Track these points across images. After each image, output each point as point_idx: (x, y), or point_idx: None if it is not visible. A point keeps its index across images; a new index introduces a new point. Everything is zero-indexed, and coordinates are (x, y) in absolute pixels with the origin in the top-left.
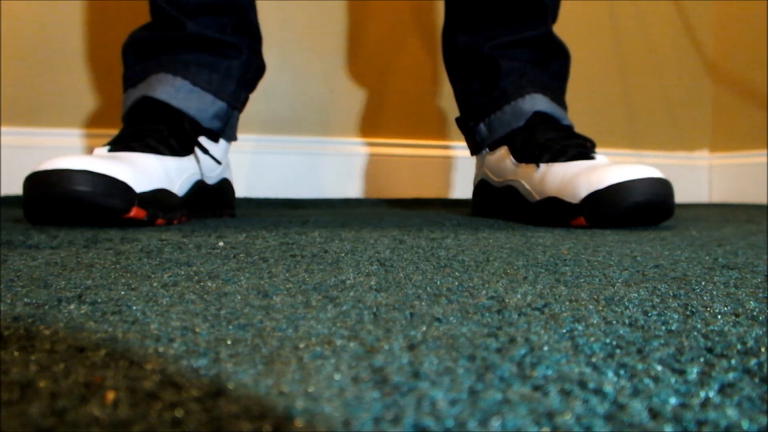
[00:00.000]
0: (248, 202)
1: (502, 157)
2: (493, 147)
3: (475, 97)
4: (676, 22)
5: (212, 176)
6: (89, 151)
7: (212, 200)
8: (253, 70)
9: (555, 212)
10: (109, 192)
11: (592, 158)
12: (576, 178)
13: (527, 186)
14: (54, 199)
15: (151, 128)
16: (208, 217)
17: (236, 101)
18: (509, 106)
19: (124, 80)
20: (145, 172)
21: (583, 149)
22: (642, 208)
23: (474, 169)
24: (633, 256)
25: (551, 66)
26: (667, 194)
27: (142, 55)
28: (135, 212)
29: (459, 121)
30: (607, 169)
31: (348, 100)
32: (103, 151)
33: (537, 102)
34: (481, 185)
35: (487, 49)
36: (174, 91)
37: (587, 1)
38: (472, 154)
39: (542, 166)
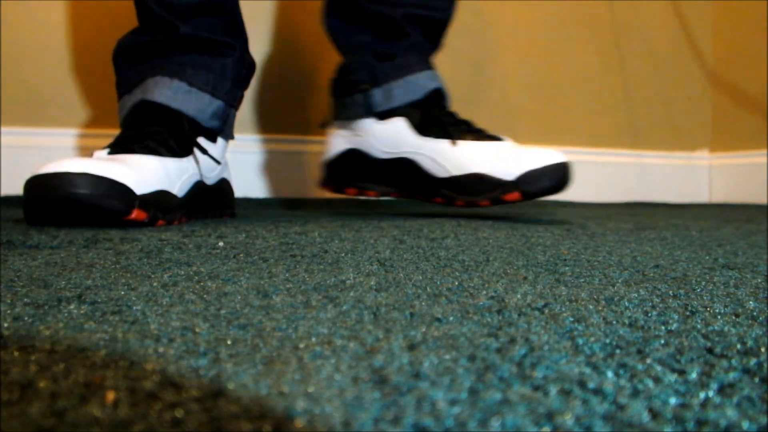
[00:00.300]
0: (248, 202)
1: (399, 128)
2: (384, 116)
3: (374, 59)
4: (675, 23)
5: (211, 176)
6: (89, 151)
7: (212, 201)
8: (246, 68)
9: (481, 187)
10: (110, 194)
11: (501, 140)
12: (508, 158)
13: (439, 160)
14: (55, 201)
15: (150, 130)
16: (208, 218)
17: (233, 99)
18: (412, 77)
19: (117, 87)
20: (146, 173)
21: (488, 133)
22: (561, 184)
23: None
24: (633, 256)
25: (430, 49)
26: (571, 173)
27: (134, 61)
28: (136, 214)
29: (343, 82)
30: (535, 152)
31: None
32: (103, 153)
33: (435, 79)
34: (352, 155)
35: (399, 16)
36: (172, 93)
37: (587, 1)
38: (344, 119)
39: (460, 143)
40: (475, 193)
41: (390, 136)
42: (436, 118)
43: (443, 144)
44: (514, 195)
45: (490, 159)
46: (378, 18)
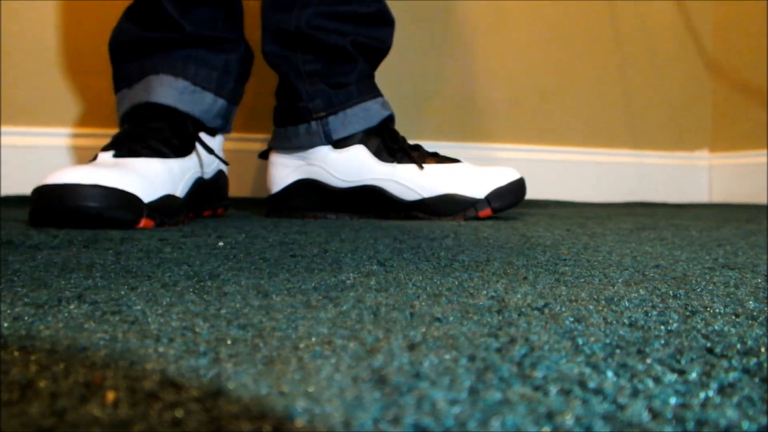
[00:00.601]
0: (248, 202)
1: (360, 156)
2: (339, 145)
3: (328, 87)
4: (675, 22)
5: (209, 171)
6: (87, 150)
7: (210, 194)
8: (248, 62)
9: (455, 206)
10: (119, 205)
11: (459, 161)
12: (475, 178)
13: (408, 184)
14: (64, 214)
15: (153, 126)
16: (206, 211)
17: (235, 97)
18: (366, 104)
19: (115, 79)
20: (152, 180)
21: (444, 156)
22: (522, 198)
23: (274, 167)
24: (633, 256)
25: (373, 77)
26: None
27: (135, 55)
28: (144, 223)
29: (294, 110)
30: (497, 171)
31: None
32: (108, 156)
33: (387, 106)
34: (305, 185)
35: (348, 44)
36: (178, 94)
37: (587, 1)
38: (295, 148)
39: (426, 166)
40: (449, 212)
41: (350, 165)
42: (395, 144)
43: (411, 168)
44: (487, 211)
45: (458, 180)
46: (327, 47)
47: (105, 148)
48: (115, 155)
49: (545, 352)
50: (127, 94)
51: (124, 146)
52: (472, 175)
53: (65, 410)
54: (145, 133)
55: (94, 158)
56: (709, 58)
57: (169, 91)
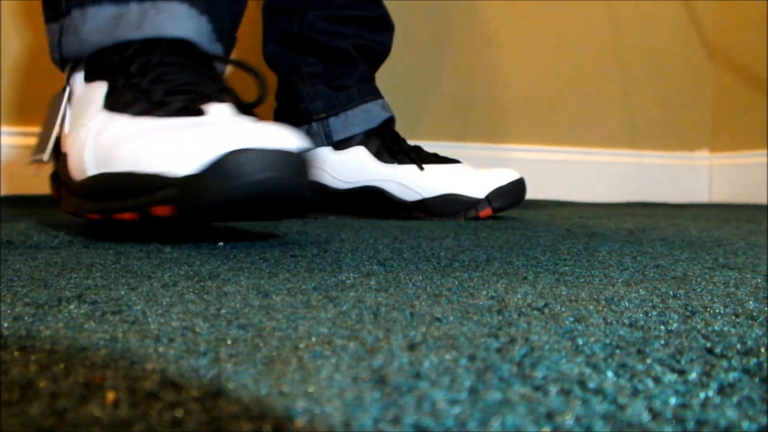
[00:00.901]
0: None
1: (360, 157)
2: (340, 146)
3: (329, 89)
4: (676, 22)
5: None
6: None
7: None
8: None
9: (456, 206)
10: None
11: (459, 162)
12: (474, 178)
13: (409, 185)
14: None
15: (216, 76)
16: None
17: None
18: (367, 106)
19: None
20: None
21: (444, 157)
22: (521, 198)
23: None
24: (633, 256)
25: (374, 79)
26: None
27: None
28: None
29: (294, 111)
30: (496, 171)
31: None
32: (227, 110)
33: (387, 108)
34: None
35: (349, 46)
36: (207, 35)
37: (587, 1)
38: None
39: (427, 167)
40: (450, 212)
41: (350, 166)
42: (395, 145)
43: (411, 169)
44: (488, 211)
45: (459, 180)
46: (328, 49)
47: (199, 98)
48: (235, 112)
49: (545, 352)
50: (119, 16)
51: (234, 102)
52: (472, 175)
53: (65, 410)
54: (213, 81)
55: (188, 109)
56: (710, 58)
57: (196, 27)
